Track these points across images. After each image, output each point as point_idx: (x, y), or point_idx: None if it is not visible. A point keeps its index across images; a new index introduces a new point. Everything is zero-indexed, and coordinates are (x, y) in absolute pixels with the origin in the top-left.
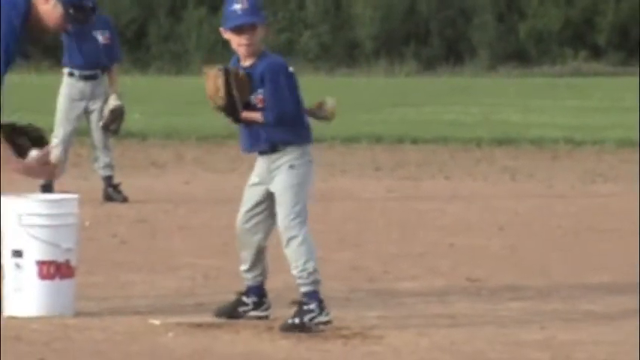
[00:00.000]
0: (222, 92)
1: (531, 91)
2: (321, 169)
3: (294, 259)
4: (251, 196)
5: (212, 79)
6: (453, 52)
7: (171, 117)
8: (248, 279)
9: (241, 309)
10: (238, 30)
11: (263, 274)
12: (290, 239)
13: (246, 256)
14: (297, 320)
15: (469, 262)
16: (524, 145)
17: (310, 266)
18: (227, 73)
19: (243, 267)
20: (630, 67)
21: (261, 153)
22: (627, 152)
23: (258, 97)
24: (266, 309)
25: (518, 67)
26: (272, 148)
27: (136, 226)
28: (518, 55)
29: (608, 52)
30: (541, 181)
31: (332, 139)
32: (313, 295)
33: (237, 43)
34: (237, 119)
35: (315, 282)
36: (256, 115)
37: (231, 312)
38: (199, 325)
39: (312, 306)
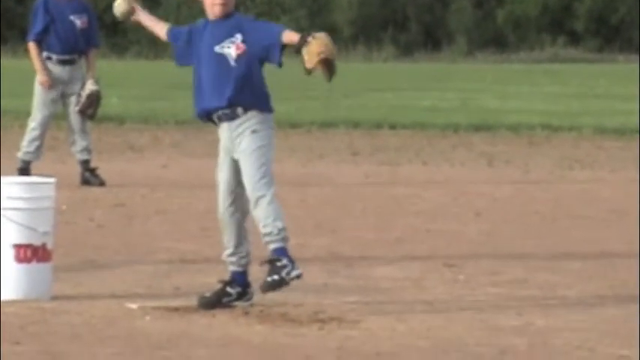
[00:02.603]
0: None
1: (509, 77)
2: (298, 154)
3: (263, 218)
4: (222, 178)
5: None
6: (431, 38)
7: (148, 101)
8: (233, 263)
9: (225, 299)
10: None
11: (247, 256)
12: (259, 199)
13: (229, 237)
14: (275, 277)
15: (446, 248)
16: (501, 131)
17: (279, 224)
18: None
19: (228, 251)
20: (607, 54)
21: (222, 120)
22: (604, 139)
23: (237, 43)
24: (249, 299)
25: (496, 53)
26: (231, 109)
27: (113, 210)
28: (496, 41)
29: (585, 38)
30: (518, 167)
31: (310, 124)
32: (283, 251)
33: (212, 1)
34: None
35: (285, 239)
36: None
37: (215, 302)
38: (176, 309)
39: (285, 261)
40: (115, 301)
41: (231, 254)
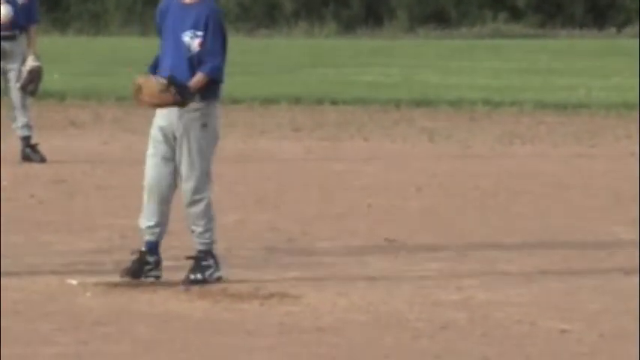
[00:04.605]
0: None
1: (450, 52)
2: (240, 129)
3: (199, 218)
4: (160, 151)
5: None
6: (373, 14)
7: (90, 77)
8: (152, 234)
9: (146, 268)
10: None
11: (165, 228)
12: (200, 199)
13: (157, 210)
14: (199, 276)
15: (387, 223)
16: (442, 107)
17: (211, 225)
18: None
19: (150, 223)
20: (549, 30)
21: None
22: (545, 114)
23: (198, 40)
24: (161, 268)
25: (438, 29)
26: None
27: (54, 187)
28: (438, 16)
29: (527, 13)
30: (459, 142)
31: (251, 99)
32: (210, 252)
33: None
34: (190, 97)
35: (214, 241)
36: (201, 78)
37: (138, 271)
38: (117, 285)
39: (211, 262)
40: (55, 277)
41: (154, 226)
